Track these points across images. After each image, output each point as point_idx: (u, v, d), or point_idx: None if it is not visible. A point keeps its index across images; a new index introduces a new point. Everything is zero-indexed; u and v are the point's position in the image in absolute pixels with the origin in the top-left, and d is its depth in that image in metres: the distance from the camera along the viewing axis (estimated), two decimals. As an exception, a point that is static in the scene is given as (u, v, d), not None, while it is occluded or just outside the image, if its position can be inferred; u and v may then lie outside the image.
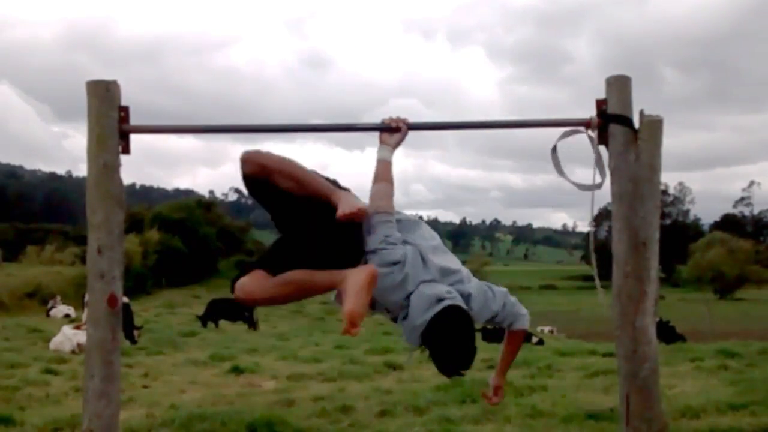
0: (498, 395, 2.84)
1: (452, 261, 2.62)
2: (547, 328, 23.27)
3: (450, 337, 2.36)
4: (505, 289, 2.68)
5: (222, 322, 19.43)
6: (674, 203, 78.77)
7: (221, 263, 36.59)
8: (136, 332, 12.66)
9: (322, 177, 2.61)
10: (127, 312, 11.46)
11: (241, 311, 19.77)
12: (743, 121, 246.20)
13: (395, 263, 2.47)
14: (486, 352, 9.10)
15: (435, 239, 2.67)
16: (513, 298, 2.69)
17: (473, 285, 2.59)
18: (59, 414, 5.86)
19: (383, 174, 2.67)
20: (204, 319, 19.40)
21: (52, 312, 21.46)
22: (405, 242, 2.55)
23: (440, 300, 2.39)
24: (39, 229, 48.24)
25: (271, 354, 10.74)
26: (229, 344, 12.65)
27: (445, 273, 2.53)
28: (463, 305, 2.43)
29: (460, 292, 2.50)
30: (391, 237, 2.53)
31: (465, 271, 2.62)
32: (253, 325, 19.31)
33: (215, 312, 19.66)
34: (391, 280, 2.46)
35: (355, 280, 2.37)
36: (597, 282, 2.71)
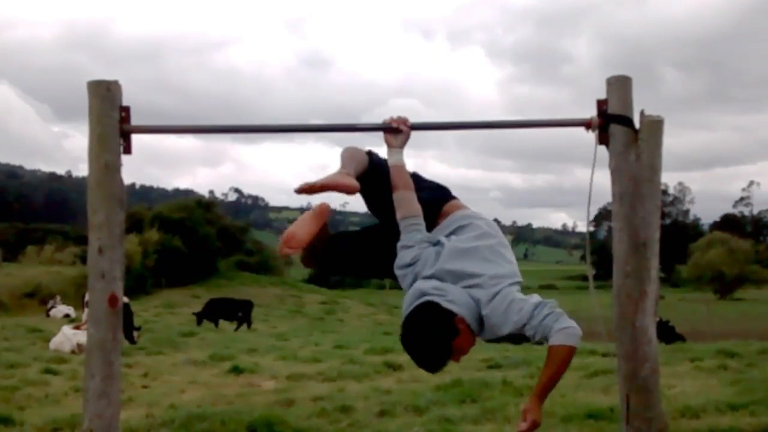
0: (526, 420, 2.31)
1: (477, 265, 2.51)
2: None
3: (418, 333, 2.39)
4: (540, 300, 2.37)
5: (222, 322, 19.42)
6: (674, 203, 78.68)
7: (221, 263, 36.50)
8: (135, 333, 12.66)
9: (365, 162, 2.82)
10: (126, 312, 11.43)
11: (236, 311, 19.78)
12: (743, 121, 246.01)
13: (408, 266, 2.60)
14: (486, 351, 9.12)
15: (479, 240, 2.60)
16: (553, 310, 2.33)
17: (491, 292, 2.42)
18: (59, 414, 5.87)
19: (400, 180, 2.71)
20: (200, 317, 19.35)
21: (52, 312, 21.44)
22: (438, 243, 2.62)
23: (423, 295, 2.44)
24: (39, 229, 48.25)
25: (271, 354, 10.73)
26: (229, 344, 12.65)
27: (458, 276, 2.50)
28: (450, 306, 2.38)
29: (471, 296, 2.45)
30: (409, 242, 2.63)
31: (491, 276, 2.46)
32: (247, 322, 19.29)
33: (213, 311, 19.63)
34: (407, 282, 2.59)
35: (307, 212, 2.76)
36: (591, 284, 2.70)
